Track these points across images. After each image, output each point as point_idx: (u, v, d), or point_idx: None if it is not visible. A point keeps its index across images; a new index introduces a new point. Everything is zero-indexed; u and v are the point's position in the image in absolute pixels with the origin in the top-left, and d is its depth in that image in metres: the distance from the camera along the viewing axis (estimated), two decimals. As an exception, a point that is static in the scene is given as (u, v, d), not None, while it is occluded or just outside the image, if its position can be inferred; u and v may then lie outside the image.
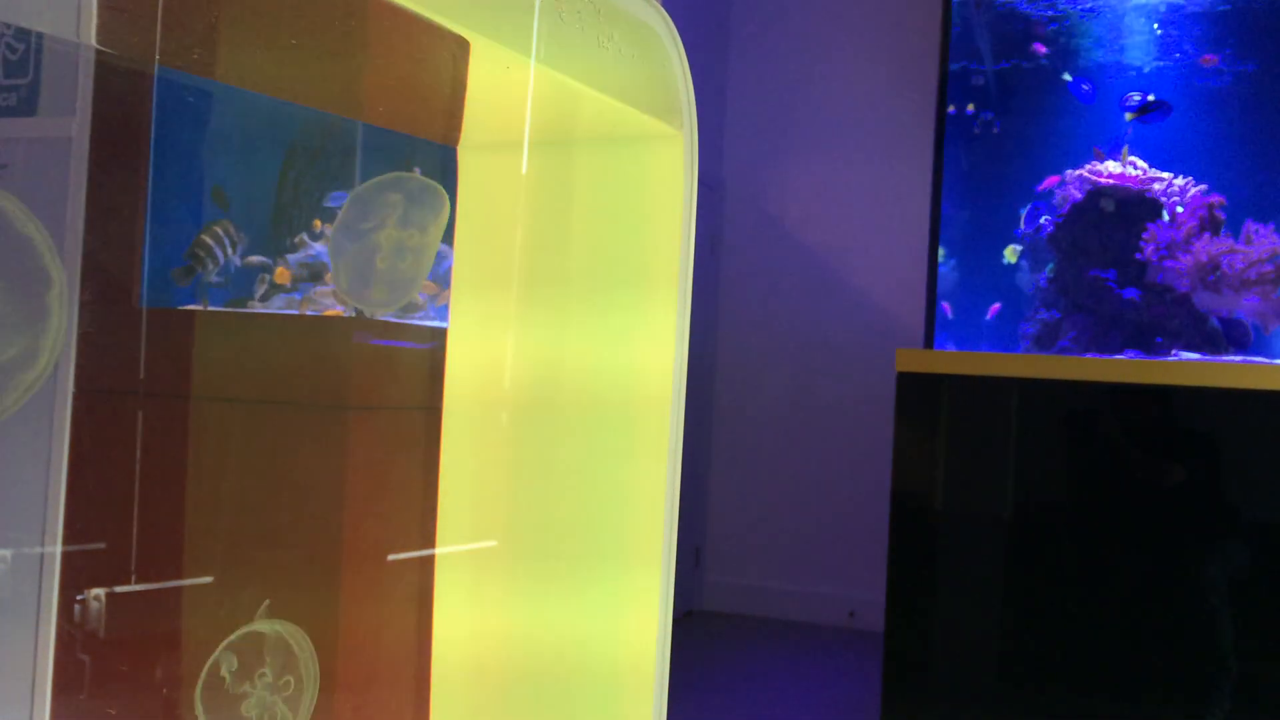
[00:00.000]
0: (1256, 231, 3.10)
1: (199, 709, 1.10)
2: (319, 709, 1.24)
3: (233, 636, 1.12)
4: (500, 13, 1.00)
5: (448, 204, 1.13)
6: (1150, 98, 3.35)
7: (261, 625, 1.13)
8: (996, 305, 3.57)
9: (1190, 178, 3.32)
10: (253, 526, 1.41)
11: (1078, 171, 3.40)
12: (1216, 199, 3.21)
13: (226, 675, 1.10)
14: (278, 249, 1.70)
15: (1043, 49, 3.52)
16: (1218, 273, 3.09)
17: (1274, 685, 2.83)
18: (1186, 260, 3.14)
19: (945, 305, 3.53)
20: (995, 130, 3.59)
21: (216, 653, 1.11)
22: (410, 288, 1.12)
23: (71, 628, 1.24)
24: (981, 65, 3.60)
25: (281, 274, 1.69)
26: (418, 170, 1.21)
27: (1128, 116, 3.37)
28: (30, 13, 1.14)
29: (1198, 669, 2.89)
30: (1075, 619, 3.03)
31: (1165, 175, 3.33)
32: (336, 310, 1.70)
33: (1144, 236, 3.21)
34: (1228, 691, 2.85)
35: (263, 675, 1.11)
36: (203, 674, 1.10)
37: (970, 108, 3.54)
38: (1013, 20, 3.58)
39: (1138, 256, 3.22)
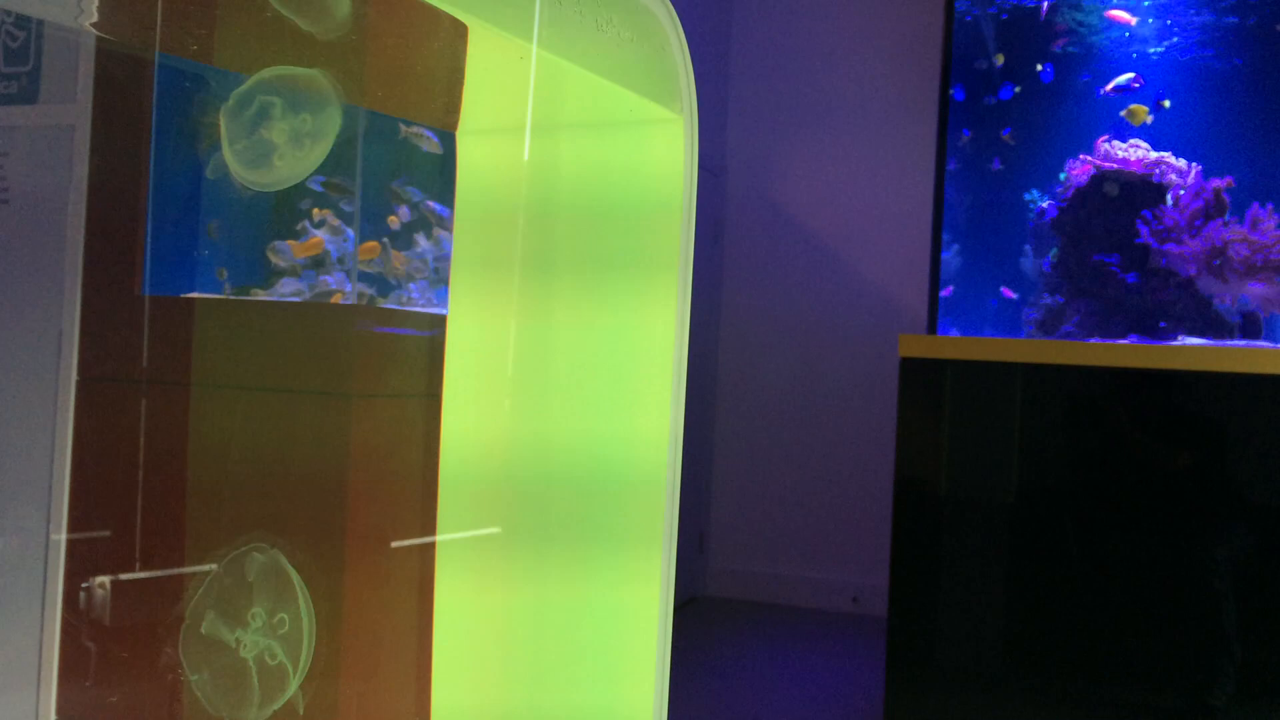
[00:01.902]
0: (1260, 219, 3.09)
1: (183, 659, 1.10)
2: (320, 697, 1.24)
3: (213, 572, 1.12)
4: (499, -3, 1.00)
5: (330, 83, 1.09)
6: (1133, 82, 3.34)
7: (251, 564, 1.13)
8: (1009, 293, 3.57)
9: (1185, 159, 3.31)
10: (255, 514, 1.41)
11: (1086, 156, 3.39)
12: (1221, 182, 3.20)
13: (209, 628, 1.10)
14: (280, 236, 1.70)
15: (1056, 46, 3.51)
16: (1223, 258, 3.08)
17: (1277, 669, 2.84)
18: (1191, 245, 3.13)
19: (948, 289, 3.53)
20: (1001, 140, 3.58)
21: (202, 588, 1.11)
22: (309, 167, 1.09)
23: (76, 616, 1.24)
24: (985, 49, 3.59)
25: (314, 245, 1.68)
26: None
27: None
28: (31, 0, 1.13)
29: (1202, 653, 2.89)
30: (1079, 603, 3.03)
31: (1167, 155, 3.32)
32: (337, 293, 1.69)
33: (1139, 222, 3.21)
34: (1232, 675, 2.85)
35: (255, 616, 1.11)
36: (185, 619, 1.10)
37: (1005, 64, 3.50)
38: (1017, 6, 3.56)
39: (1136, 241, 3.22)
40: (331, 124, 1.07)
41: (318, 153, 1.08)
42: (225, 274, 1.65)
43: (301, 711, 1.13)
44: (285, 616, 1.11)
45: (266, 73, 1.05)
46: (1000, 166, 3.61)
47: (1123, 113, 3.37)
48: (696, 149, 1.20)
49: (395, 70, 1.23)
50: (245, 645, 1.11)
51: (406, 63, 1.20)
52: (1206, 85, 3.38)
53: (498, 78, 1.19)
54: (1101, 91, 3.37)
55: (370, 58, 1.17)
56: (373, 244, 1.70)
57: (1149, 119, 3.37)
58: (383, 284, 1.74)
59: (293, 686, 1.12)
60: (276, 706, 1.11)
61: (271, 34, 1.08)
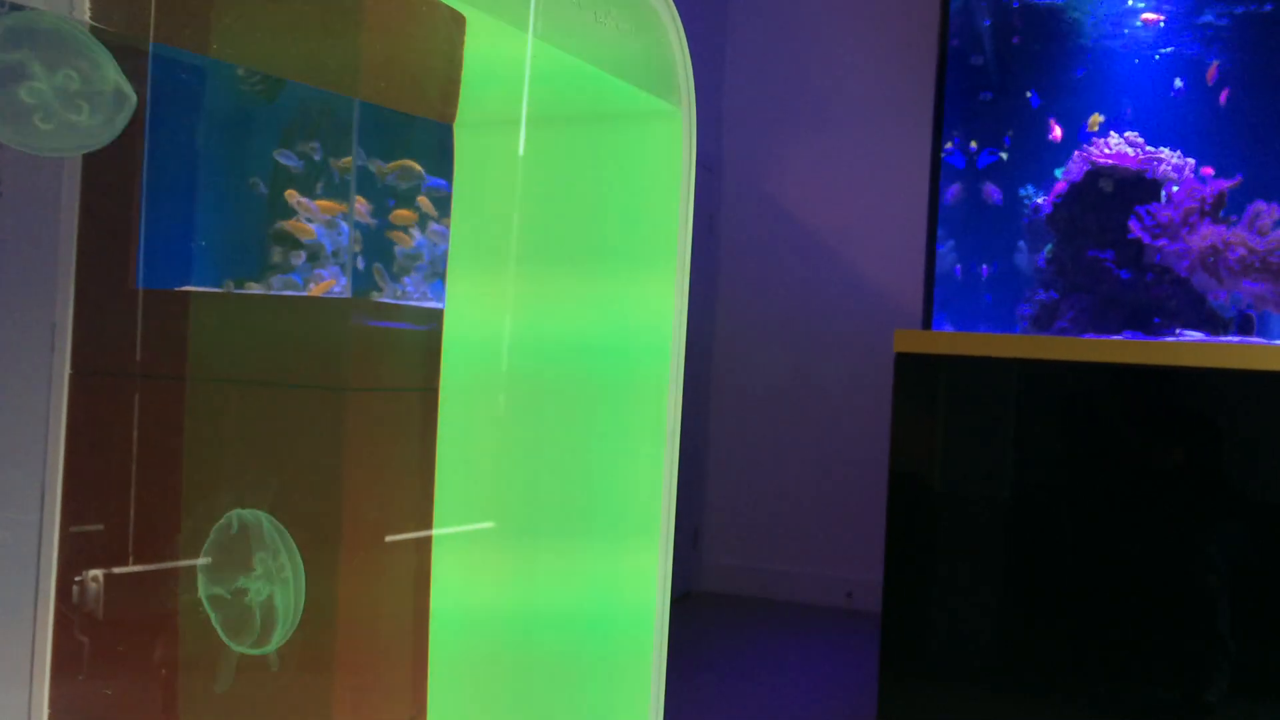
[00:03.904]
0: (1261, 213, 3.08)
1: (207, 607, 1.10)
2: (317, 690, 1.24)
3: (221, 521, 1.12)
4: (497, -12, 0.99)
5: (88, 36, 0.98)
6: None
7: (250, 516, 1.13)
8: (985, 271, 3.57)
9: (1181, 154, 3.31)
10: (250, 507, 1.41)
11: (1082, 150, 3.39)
12: (1227, 183, 3.19)
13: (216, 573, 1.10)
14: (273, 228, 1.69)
15: (1020, 40, 3.52)
16: (1218, 255, 3.08)
17: (1272, 665, 2.84)
18: (1186, 242, 3.13)
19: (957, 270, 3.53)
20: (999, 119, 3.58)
21: (212, 535, 1.11)
22: (101, 134, 1.00)
23: (70, 609, 1.24)
24: (981, 47, 3.59)
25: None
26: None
27: None
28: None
29: (1196, 649, 2.90)
30: (1073, 599, 3.03)
31: (1164, 152, 3.32)
32: (329, 282, 1.69)
33: (1131, 220, 3.20)
34: (1226, 671, 2.86)
35: (263, 560, 1.11)
36: (200, 561, 1.10)
37: (997, 58, 3.50)
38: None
39: (1129, 237, 3.22)
40: (110, 82, 0.99)
41: (114, 115, 0.99)
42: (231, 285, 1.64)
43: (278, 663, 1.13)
44: (286, 562, 1.12)
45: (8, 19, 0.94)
46: (996, 162, 3.61)
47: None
48: (695, 142, 1.19)
49: (392, 61, 1.22)
50: (251, 591, 1.11)
51: (404, 54, 1.19)
52: (1206, 81, 3.38)
53: (495, 69, 1.18)
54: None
55: (367, 49, 1.16)
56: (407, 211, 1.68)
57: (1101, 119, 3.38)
58: (379, 259, 1.73)
59: (285, 626, 1.12)
60: (273, 646, 1.11)
61: (265, 22, 1.07)
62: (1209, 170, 3.27)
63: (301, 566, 1.14)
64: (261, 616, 1.12)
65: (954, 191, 3.54)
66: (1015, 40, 3.59)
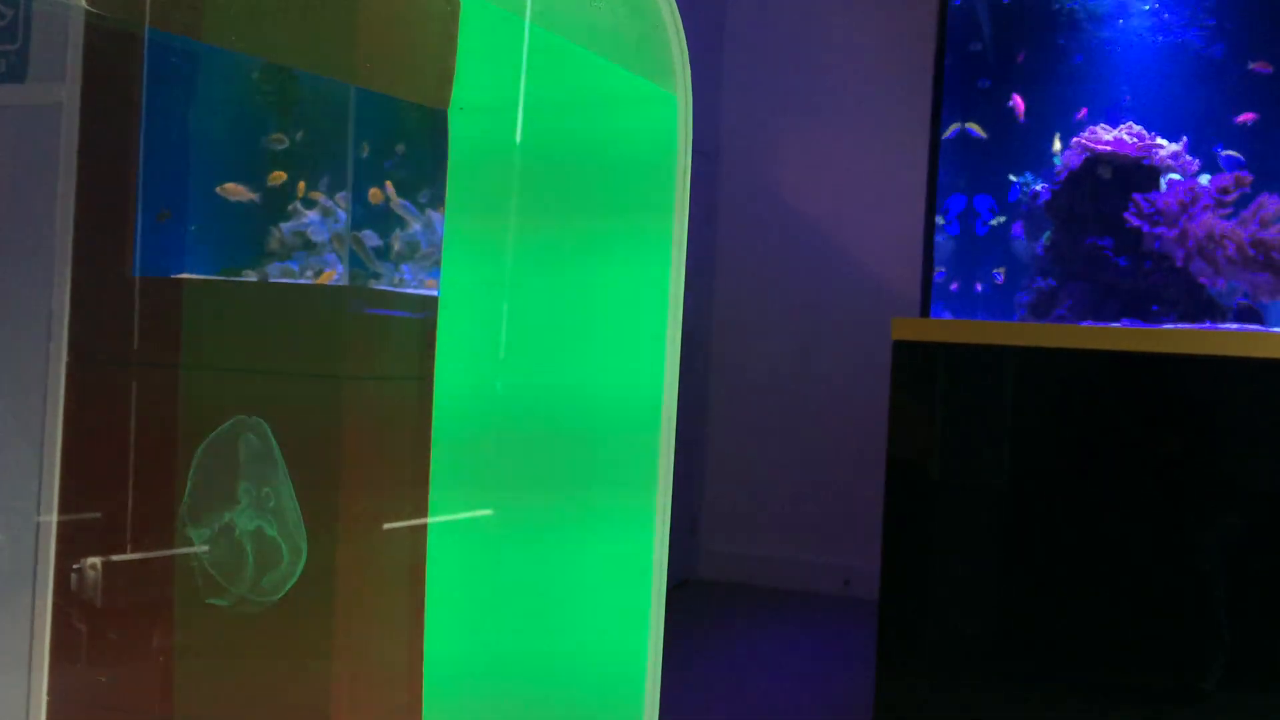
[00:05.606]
0: (1264, 204, 3.06)
1: (188, 529, 1.09)
2: (313, 676, 1.24)
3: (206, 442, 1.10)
4: (492, -27, 0.99)
5: None
6: None
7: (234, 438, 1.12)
8: (994, 275, 3.57)
9: (1179, 143, 3.30)
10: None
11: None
12: (1233, 176, 3.17)
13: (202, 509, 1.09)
14: (270, 216, 1.69)
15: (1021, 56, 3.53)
16: (1216, 244, 3.08)
17: (1268, 653, 2.85)
18: (1184, 230, 3.12)
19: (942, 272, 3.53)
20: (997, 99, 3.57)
21: (195, 462, 1.10)
22: None
23: (68, 597, 1.24)
24: (980, 34, 3.58)
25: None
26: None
27: None
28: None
29: (1193, 637, 2.90)
30: (1070, 587, 3.03)
31: (1163, 142, 3.32)
32: (330, 273, 1.69)
33: (1128, 210, 3.20)
34: (1222, 659, 2.86)
35: (247, 491, 1.11)
36: (185, 498, 1.10)
37: (996, 46, 3.50)
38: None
39: (1127, 226, 3.21)
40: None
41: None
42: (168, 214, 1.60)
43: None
44: (271, 490, 1.11)
45: None
46: (994, 149, 3.60)
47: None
48: (691, 127, 1.19)
49: (387, 46, 1.21)
50: (239, 525, 1.11)
51: (398, 38, 1.19)
52: (1210, 71, 3.37)
53: (490, 53, 1.18)
54: None
55: (361, 33, 1.16)
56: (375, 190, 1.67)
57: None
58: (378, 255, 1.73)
59: (287, 564, 1.11)
60: (283, 588, 1.11)
61: (259, 8, 1.07)
62: (1239, 169, 3.24)
63: (293, 496, 1.13)
64: (254, 553, 1.11)
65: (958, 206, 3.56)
66: (1014, 28, 3.58)
